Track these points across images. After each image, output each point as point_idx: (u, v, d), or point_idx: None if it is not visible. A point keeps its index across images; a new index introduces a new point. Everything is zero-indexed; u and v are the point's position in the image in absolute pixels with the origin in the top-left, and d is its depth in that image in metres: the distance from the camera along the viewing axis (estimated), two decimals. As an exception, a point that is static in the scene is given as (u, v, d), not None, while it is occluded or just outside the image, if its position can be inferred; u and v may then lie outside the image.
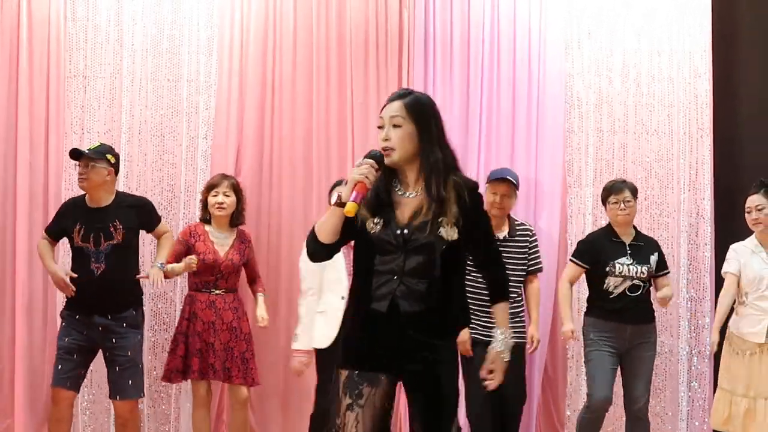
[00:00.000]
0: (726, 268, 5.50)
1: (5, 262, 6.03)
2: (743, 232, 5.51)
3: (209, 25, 6.19)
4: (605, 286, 5.41)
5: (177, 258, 5.46)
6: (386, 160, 3.31)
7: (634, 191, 5.54)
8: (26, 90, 6.06)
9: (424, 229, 3.27)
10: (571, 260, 5.57)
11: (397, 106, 3.34)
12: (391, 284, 3.29)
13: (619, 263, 5.39)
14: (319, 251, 3.37)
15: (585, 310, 5.62)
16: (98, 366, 5.43)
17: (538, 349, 5.80)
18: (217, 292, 5.54)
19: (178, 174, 6.15)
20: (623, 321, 5.37)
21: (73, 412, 5.82)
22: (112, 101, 6.14)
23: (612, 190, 5.50)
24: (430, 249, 3.27)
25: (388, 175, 3.35)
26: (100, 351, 5.25)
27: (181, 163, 6.15)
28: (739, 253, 5.44)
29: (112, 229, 5.15)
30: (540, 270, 5.64)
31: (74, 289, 5.11)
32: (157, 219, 5.42)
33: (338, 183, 5.46)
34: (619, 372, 5.48)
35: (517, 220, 5.65)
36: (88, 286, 5.11)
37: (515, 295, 5.53)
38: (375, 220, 3.30)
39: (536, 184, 6.27)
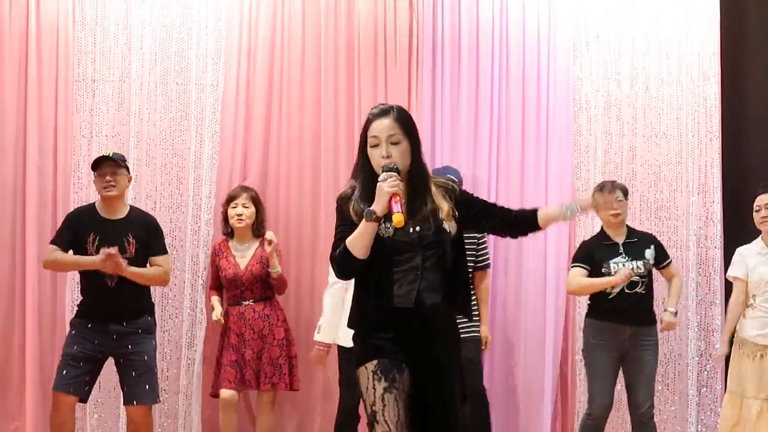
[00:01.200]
0: (732, 272, 5.50)
1: (15, 266, 6.03)
2: (753, 235, 5.50)
3: (217, 28, 6.18)
4: (608, 292, 5.41)
5: (215, 279, 5.77)
6: None
7: (625, 191, 5.55)
8: (35, 94, 6.07)
9: (430, 226, 3.47)
10: (574, 266, 5.53)
11: (390, 123, 3.46)
12: (413, 280, 3.45)
13: (614, 263, 5.39)
14: (355, 267, 3.47)
15: (586, 312, 5.61)
16: (105, 369, 5.41)
17: (551, 349, 5.82)
18: (246, 303, 5.66)
19: (187, 178, 6.14)
20: (622, 321, 5.35)
21: (82, 415, 5.87)
22: (120, 105, 6.13)
23: (602, 191, 5.47)
24: (441, 244, 3.47)
25: (373, 185, 3.43)
26: (110, 359, 5.23)
27: (190, 167, 6.14)
28: (745, 256, 5.43)
29: (126, 243, 5.12)
30: (488, 266, 5.76)
31: (123, 260, 5.01)
32: (162, 246, 5.29)
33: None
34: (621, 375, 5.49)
35: None
36: (102, 298, 5.09)
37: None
38: (385, 225, 3.41)
39: (545, 187, 6.26)
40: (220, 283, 5.79)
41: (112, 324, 5.10)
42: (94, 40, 6.14)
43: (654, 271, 5.50)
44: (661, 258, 5.54)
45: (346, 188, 3.62)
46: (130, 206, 5.33)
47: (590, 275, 5.45)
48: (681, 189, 6.32)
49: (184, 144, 6.16)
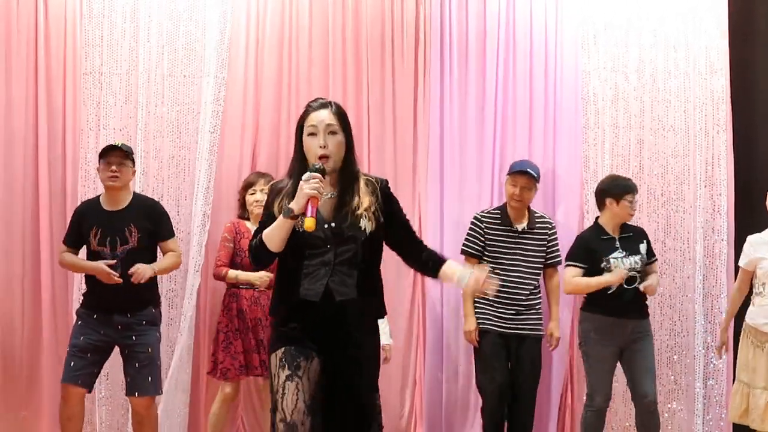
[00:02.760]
0: (740, 260, 5.52)
1: (26, 257, 6.06)
2: (761, 227, 5.50)
3: (225, 21, 6.16)
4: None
5: (230, 257, 5.67)
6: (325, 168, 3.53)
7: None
8: (44, 87, 6.08)
9: (347, 223, 3.55)
10: (569, 264, 5.55)
11: (329, 115, 3.58)
12: (324, 275, 3.53)
13: (613, 258, 5.41)
14: (267, 259, 3.60)
15: (582, 305, 5.63)
16: (114, 362, 5.43)
17: (558, 347, 5.83)
18: (262, 288, 5.63)
19: (194, 170, 6.13)
20: (624, 316, 5.39)
21: (91, 407, 5.88)
22: (128, 98, 6.13)
23: (632, 189, 5.52)
24: (355, 240, 3.55)
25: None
26: (115, 349, 5.25)
27: (197, 159, 6.13)
28: (754, 245, 5.42)
29: (127, 234, 5.14)
30: (559, 263, 5.77)
31: (119, 275, 5.07)
32: (168, 230, 5.33)
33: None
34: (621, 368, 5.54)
35: (537, 213, 5.77)
36: (106, 290, 5.10)
37: (531, 287, 5.63)
38: (301, 220, 3.47)
39: (554, 180, 6.27)
40: (232, 262, 5.73)
41: (117, 315, 5.13)
42: (101, 33, 6.13)
43: None
44: (649, 254, 5.58)
45: (277, 181, 3.73)
46: (134, 194, 5.34)
47: (588, 270, 5.47)
48: (688, 181, 6.31)
49: (191, 137, 6.16)
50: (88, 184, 6.02)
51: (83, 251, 5.34)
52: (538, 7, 6.33)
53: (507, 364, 5.63)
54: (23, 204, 6.08)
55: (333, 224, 3.55)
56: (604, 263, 5.40)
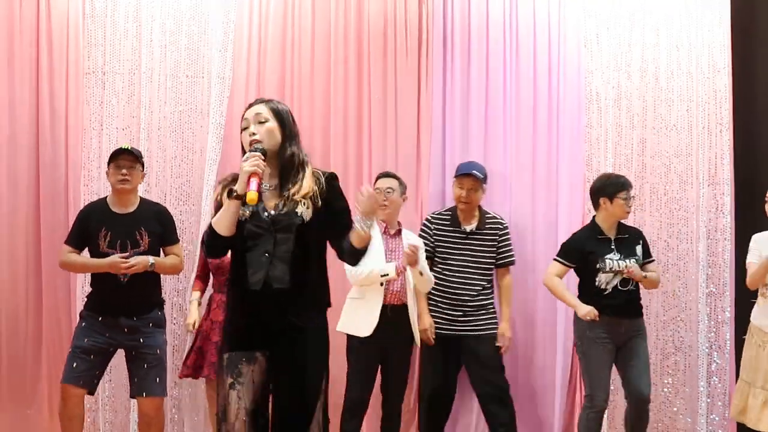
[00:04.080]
0: (748, 258, 5.50)
1: (29, 257, 6.06)
2: (764, 227, 5.49)
3: (227, 20, 6.18)
4: (597, 283, 5.42)
5: (202, 267, 5.80)
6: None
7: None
8: (46, 87, 6.08)
9: (285, 210, 3.60)
10: (555, 259, 5.54)
11: (259, 107, 3.71)
12: (264, 264, 3.58)
13: (608, 259, 5.40)
14: (219, 246, 3.64)
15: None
16: (117, 362, 5.43)
17: (563, 342, 5.83)
18: None
19: (197, 170, 6.14)
20: (618, 316, 5.38)
21: (95, 408, 5.89)
22: (130, 97, 6.13)
23: (626, 186, 5.50)
24: (291, 227, 3.59)
25: None
26: (119, 351, 5.24)
27: (200, 159, 6.14)
28: (759, 243, 5.41)
29: (138, 237, 5.12)
30: (512, 263, 5.81)
31: (127, 259, 5.05)
32: (175, 236, 5.33)
33: (383, 175, 5.58)
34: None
35: (489, 213, 5.81)
36: (114, 294, 5.09)
37: (480, 288, 5.68)
38: (243, 209, 3.57)
39: (557, 179, 6.26)
40: (205, 271, 5.76)
41: (123, 318, 5.10)
42: (104, 33, 6.14)
43: None
44: (646, 254, 5.57)
45: (226, 176, 3.81)
46: (141, 198, 5.33)
47: (580, 271, 5.49)
48: (691, 181, 6.31)
49: (194, 136, 6.16)
50: (91, 184, 6.02)
51: (86, 253, 5.31)
52: (540, 6, 6.34)
53: (452, 366, 5.67)
54: (26, 203, 6.07)
55: (273, 212, 3.61)
56: (600, 264, 5.39)
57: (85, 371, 5.09)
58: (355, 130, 6.24)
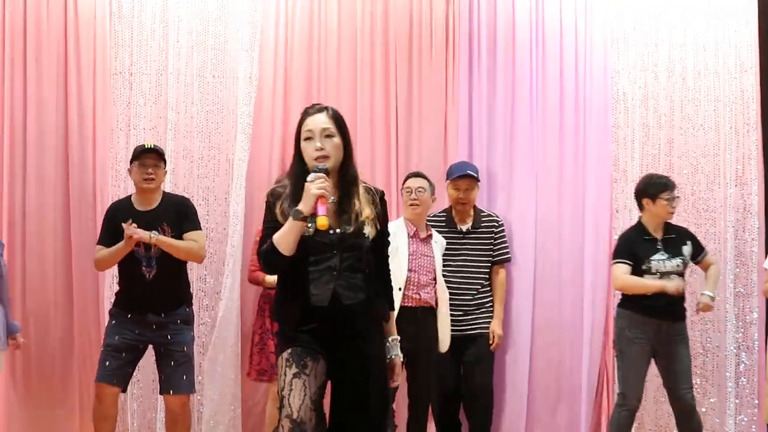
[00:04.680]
0: (765, 263, 5.48)
1: (57, 257, 6.07)
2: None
3: (254, 21, 6.19)
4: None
5: None
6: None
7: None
8: (74, 87, 6.10)
9: (352, 228, 3.57)
10: (618, 262, 5.48)
11: (325, 119, 3.60)
12: (330, 280, 3.55)
13: (654, 260, 5.37)
14: (280, 263, 3.58)
15: (619, 302, 5.58)
16: (145, 361, 5.44)
17: (589, 342, 5.81)
18: None
19: (224, 171, 6.15)
20: (658, 317, 5.35)
21: (123, 406, 5.89)
22: (157, 98, 6.15)
23: (668, 186, 5.48)
24: (360, 247, 3.58)
25: (302, 183, 3.54)
26: (149, 348, 5.26)
27: (227, 159, 6.15)
28: None
29: (161, 232, 5.12)
30: (507, 260, 5.88)
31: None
32: (193, 223, 5.26)
33: (413, 175, 5.60)
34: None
35: (483, 212, 5.87)
36: (140, 290, 5.10)
37: (479, 286, 5.74)
38: (307, 225, 3.50)
39: (584, 179, 6.25)
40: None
41: (151, 314, 5.12)
42: (131, 33, 6.17)
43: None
44: (697, 252, 5.53)
45: (276, 185, 3.75)
46: (164, 193, 5.33)
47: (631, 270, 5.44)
48: (719, 181, 6.29)
49: (221, 137, 6.18)
50: (119, 184, 6.05)
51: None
52: (567, 6, 6.32)
53: (456, 366, 5.69)
54: (54, 203, 6.09)
55: (338, 230, 3.57)
56: (645, 265, 5.37)
57: (117, 369, 5.11)
58: (381, 130, 6.24)
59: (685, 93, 6.35)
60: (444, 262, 5.64)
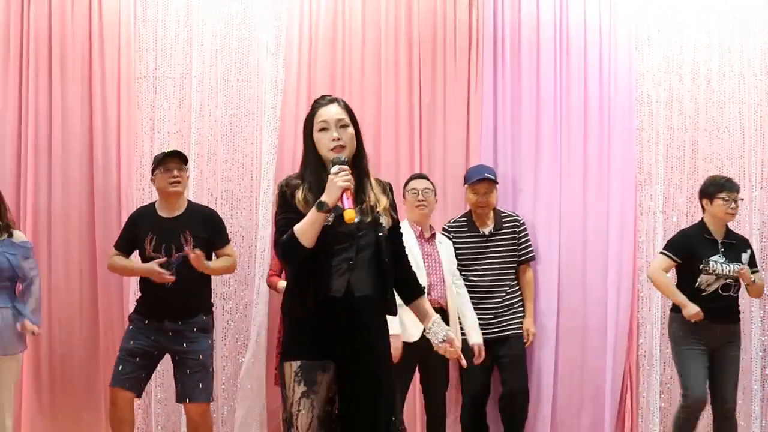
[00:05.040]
0: None
1: (82, 262, 6.07)
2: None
3: (278, 24, 6.19)
4: (697, 284, 5.38)
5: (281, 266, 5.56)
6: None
7: (739, 190, 5.56)
8: (99, 91, 6.10)
9: (369, 218, 3.55)
10: (663, 253, 5.51)
11: (337, 109, 3.60)
12: (345, 270, 3.51)
13: (713, 261, 5.35)
14: (301, 254, 3.49)
15: (672, 305, 5.56)
16: (168, 366, 5.45)
17: (615, 345, 5.80)
18: None
19: (248, 175, 6.16)
20: (713, 320, 5.33)
21: (147, 410, 5.90)
22: (181, 102, 6.15)
23: (726, 187, 5.47)
24: (376, 237, 3.56)
25: (321, 174, 3.53)
26: (167, 355, 5.26)
27: (251, 163, 6.16)
28: None
29: (182, 240, 5.14)
30: (532, 258, 5.88)
31: (172, 273, 5.06)
32: (226, 238, 5.35)
33: (417, 177, 5.57)
34: None
35: (503, 212, 5.88)
36: (159, 296, 5.11)
37: (507, 288, 5.73)
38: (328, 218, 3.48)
39: (608, 182, 6.24)
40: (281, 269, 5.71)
41: (168, 321, 5.13)
42: (155, 37, 6.16)
43: None
44: (752, 264, 5.51)
45: (290, 175, 3.67)
46: (189, 202, 5.35)
47: (682, 268, 5.44)
48: (743, 183, 6.24)
49: (245, 140, 6.18)
50: (143, 188, 6.04)
51: (135, 257, 5.34)
52: (591, 8, 6.32)
53: (488, 370, 5.67)
54: (79, 207, 6.10)
55: (357, 219, 3.49)
56: (703, 264, 5.35)
57: (130, 374, 5.11)
58: (405, 132, 6.24)
59: (710, 95, 6.34)
60: (468, 267, 5.65)
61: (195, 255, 5.03)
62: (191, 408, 5.18)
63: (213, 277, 5.49)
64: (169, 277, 5.04)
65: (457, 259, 5.66)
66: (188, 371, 5.13)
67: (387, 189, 3.69)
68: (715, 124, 6.32)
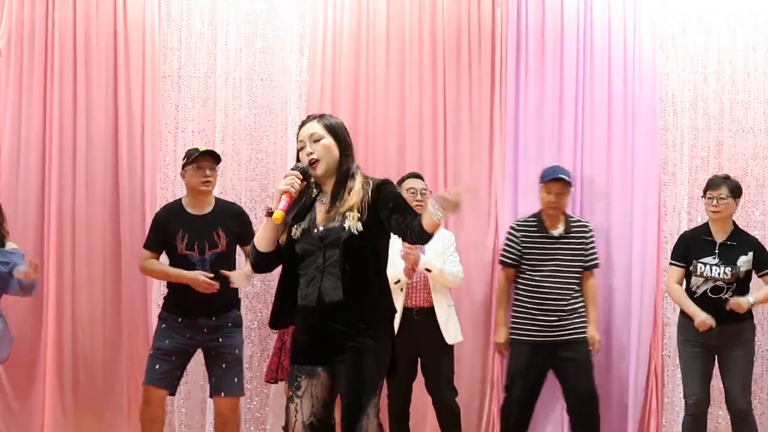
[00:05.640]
0: None
1: (106, 261, 6.09)
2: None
3: (302, 24, 6.21)
4: (691, 285, 5.41)
5: None
6: (312, 172, 3.68)
7: (735, 190, 5.48)
8: (124, 91, 6.12)
9: (332, 225, 3.63)
10: (670, 263, 5.57)
11: (312, 125, 3.73)
12: (316, 280, 3.63)
13: (701, 263, 5.35)
14: (260, 262, 3.76)
15: (680, 310, 5.58)
16: (194, 362, 5.46)
17: (639, 346, 5.79)
18: None
19: (271, 174, 6.16)
20: (714, 320, 5.30)
21: (170, 408, 5.92)
22: (206, 101, 6.17)
23: (709, 185, 5.47)
24: (338, 242, 3.61)
25: (316, 187, 3.74)
26: (198, 351, 5.29)
27: (275, 163, 6.17)
28: None
29: (216, 237, 5.17)
30: (596, 266, 5.80)
31: (218, 286, 5.10)
32: (253, 235, 5.35)
33: (413, 176, 5.64)
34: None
35: (572, 217, 5.81)
36: (194, 294, 5.13)
37: (572, 291, 5.66)
38: (295, 227, 3.66)
39: (632, 182, 6.22)
40: None
41: (202, 318, 5.16)
42: (179, 37, 6.19)
43: None
44: (762, 265, 5.46)
45: None
46: (216, 198, 5.37)
47: (686, 269, 5.43)
48: (768, 183, 6.27)
49: (269, 140, 6.19)
50: (167, 187, 6.07)
51: (164, 256, 5.37)
52: (616, 8, 6.29)
53: (542, 372, 5.65)
54: (103, 206, 6.11)
55: (321, 229, 3.64)
56: (692, 266, 5.36)
57: (167, 372, 5.15)
58: (429, 133, 6.23)
59: (735, 95, 6.30)
60: (534, 267, 5.62)
61: (236, 276, 5.12)
62: (224, 402, 5.21)
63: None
64: (215, 288, 5.08)
65: (522, 259, 5.65)
66: (224, 365, 5.17)
67: (368, 186, 3.69)
68: (740, 125, 6.29)
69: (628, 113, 6.26)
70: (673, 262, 5.51)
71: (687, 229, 5.86)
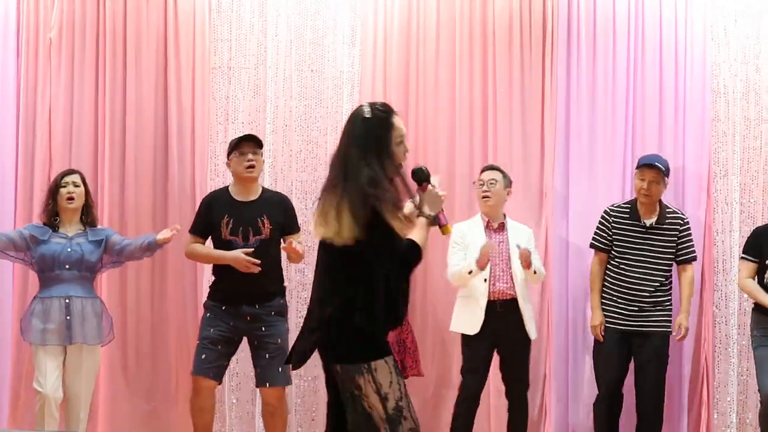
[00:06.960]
0: None
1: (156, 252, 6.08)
2: None
3: (353, 15, 6.21)
4: (765, 281, 5.35)
5: None
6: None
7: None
8: (174, 82, 6.15)
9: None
10: (743, 257, 5.51)
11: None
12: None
13: None
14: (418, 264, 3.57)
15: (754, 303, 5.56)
16: (243, 354, 5.47)
17: (690, 337, 5.78)
18: None
19: (322, 165, 6.15)
20: None
21: (220, 397, 5.93)
22: (256, 92, 6.19)
23: None
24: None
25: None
26: (244, 340, 5.30)
27: (325, 154, 6.16)
28: None
29: (260, 224, 5.17)
30: (693, 259, 5.69)
31: (258, 264, 5.10)
32: (297, 225, 5.38)
33: (487, 168, 5.65)
34: None
35: (669, 207, 5.70)
36: (237, 282, 5.14)
37: (658, 284, 5.56)
38: None
39: (683, 173, 6.18)
40: None
41: (246, 306, 5.16)
42: (230, 28, 6.21)
43: None
44: None
45: (378, 192, 3.49)
46: (263, 188, 5.38)
47: (759, 264, 5.40)
48: (821, 174, 6.22)
49: (319, 131, 6.20)
50: (218, 177, 6.08)
51: (209, 241, 5.38)
52: (667, 0, 6.26)
53: (625, 362, 5.61)
54: (153, 197, 6.14)
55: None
56: (766, 261, 5.33)
57: (214, 361, 5.17)
58: (480, 124, 6.22)
59: (788, 86, 6.27)
60: (622, 254, 5.57)
61: (290, 245, 5.10)
62: (270, 392, 5.21)
63: (290, 265, 5.56)
64: (255, 268, 5.06)
65: (613, 245, 5.61)
66: (267, 355, 5.17)
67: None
68: (792, 115, 6.27)
69: (679, 104, 6.23)
70: (747, 257, 5.45)
71: (760, 224, 5.79)
